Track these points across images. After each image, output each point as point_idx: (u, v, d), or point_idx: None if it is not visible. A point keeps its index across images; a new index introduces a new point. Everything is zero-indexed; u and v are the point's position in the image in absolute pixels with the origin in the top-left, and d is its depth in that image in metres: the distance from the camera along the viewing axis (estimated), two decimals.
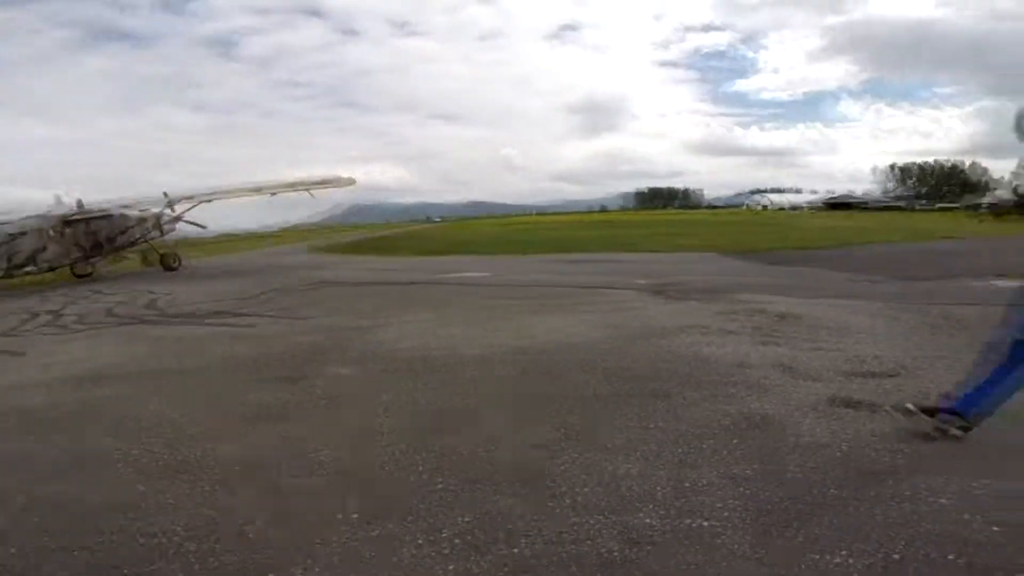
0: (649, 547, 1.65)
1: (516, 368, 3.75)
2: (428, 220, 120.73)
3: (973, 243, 15.77)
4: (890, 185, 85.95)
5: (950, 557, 1.54)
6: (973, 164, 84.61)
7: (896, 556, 1.55)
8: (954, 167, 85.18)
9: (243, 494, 2.12)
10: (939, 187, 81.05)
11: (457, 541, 1.71)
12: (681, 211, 68.67)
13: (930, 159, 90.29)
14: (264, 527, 1.85)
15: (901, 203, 65.89)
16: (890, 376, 3.33)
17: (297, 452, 2.48)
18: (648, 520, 1.80)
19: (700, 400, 2.98)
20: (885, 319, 5.07)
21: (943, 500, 1.85)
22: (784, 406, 2.84)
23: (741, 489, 1.99)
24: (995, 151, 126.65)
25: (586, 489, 2.03)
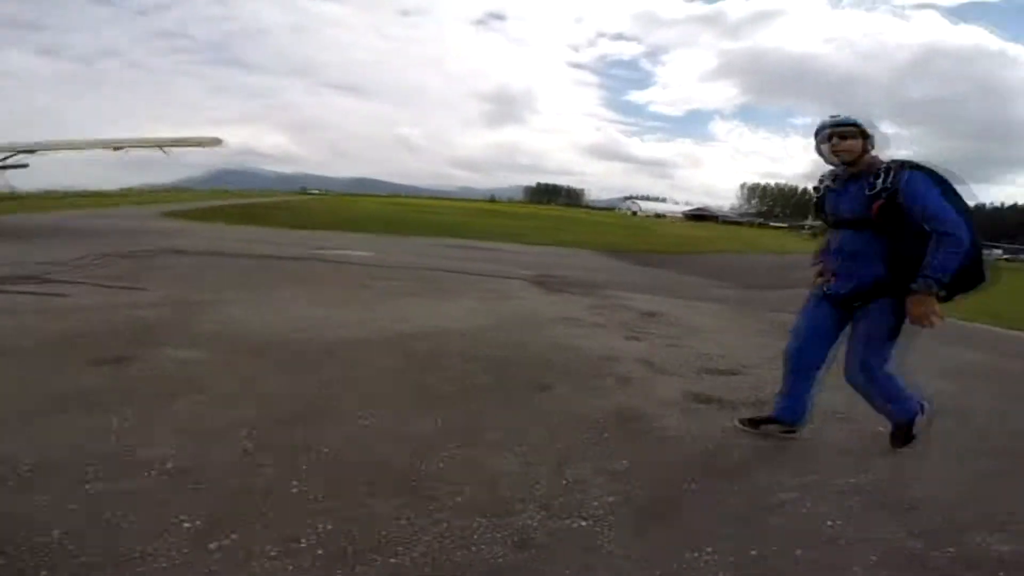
0: (535, 550, 1.61)
1: (392, 355, 3.49)
2: (303, 191, 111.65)
3: (803, 257, 18.64)
4: (738, 203, 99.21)
5: (798, 552, 1.70)
6: (805, 189, 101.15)
7: (753, 552, 1.68)
8: (793, 190, 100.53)
9: (39, 500, 1.66)
10: (775, 207, 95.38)
11: (320, 552, 1.50)
12: (565, 208, 72.10)
13: (773, 182, 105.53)
14: (67, 540, 1.46)
15: (746, 219, 76.07)
16: (734, 374, 3.74)
17: (116, 449, 2.02)
18: (531, 522, 1.75)
19: (575, 393, 3.06)
20: (729, 321, 5.75)
21: (784, 495, 2.08)
22: (649, 400, 3.01)
23: (616, 485, 2.04)
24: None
25: (467, 489, 1.92)
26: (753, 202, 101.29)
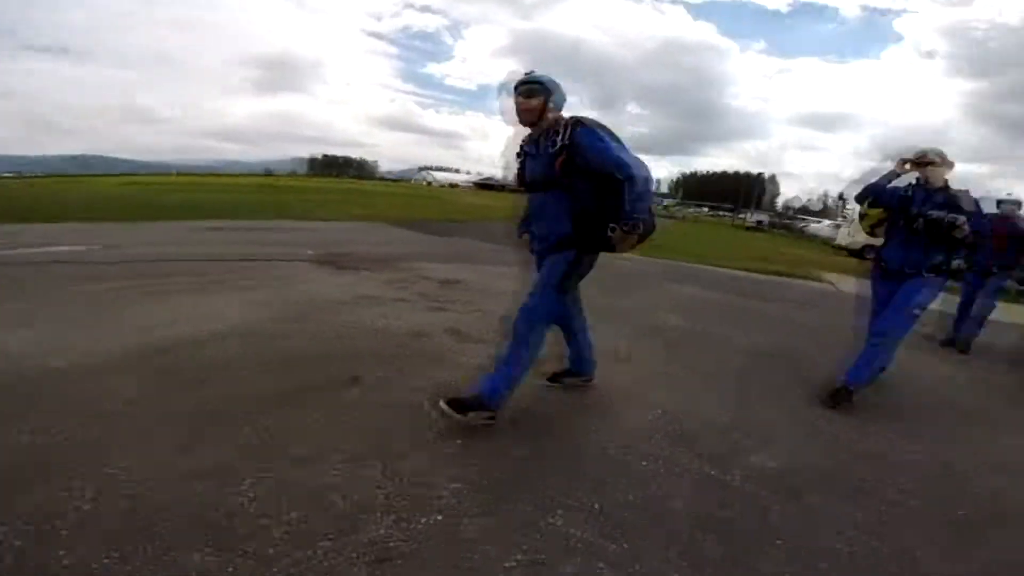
0: (399, 561, 1.47)
1: (150, 377, 2.69)
2: None
3: None
4: None
5: (630, 498, 1.97)
6: None
7: (596, 505, 1.89)
8: None
9: None
10: None
11: None
12: (355, 181, 68.33)
13: None
14: None
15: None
16: None
17: None
18: (383, 531, 1.58)
19: (389, 378, 2.86)
20: (525, 283, 6.13)
21: (605, 444, 2.36)
22: (466, 371, 2.96)
23: (456, 469, 1.99)
24: None
25: (292, 515, 1.63)
26: None
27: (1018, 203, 5.62)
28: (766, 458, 2.39)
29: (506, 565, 1.53)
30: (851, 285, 8.80)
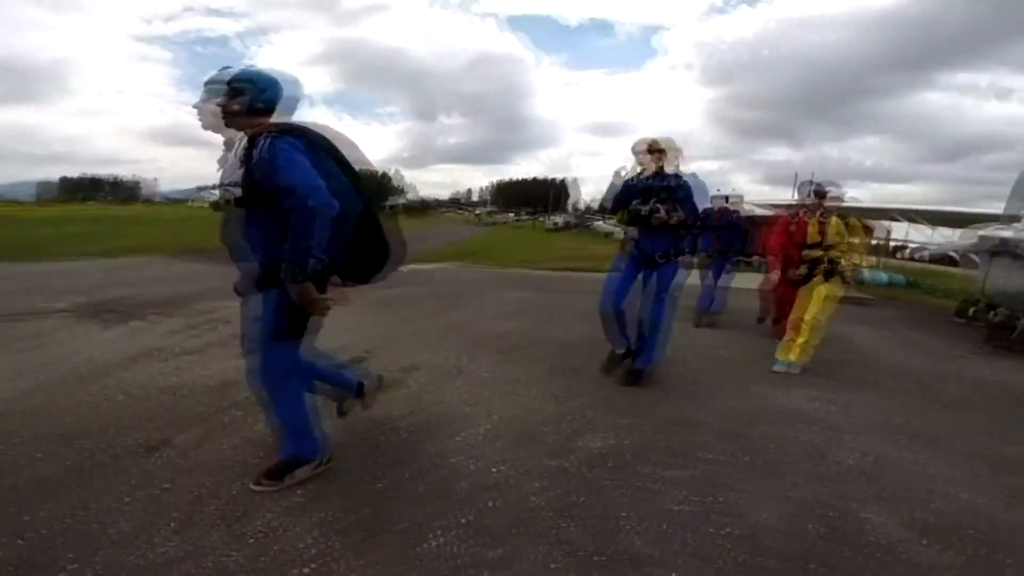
0: None
1: None
2: None
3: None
4: None
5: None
6: (384, 173, 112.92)
7: (465, 520, 1.86)
8: (384, 174, 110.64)
9: None
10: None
11: None
12: (112, 205, 56.44)
13: (357, 168, 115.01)
14: None
15: None
16: (361, 360, 3.82)
17: None
18: None
19: (199, 438, 2.48)
20: (337, 310, 5.79)
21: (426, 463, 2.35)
22: None
23: (313, 517, 1.91)
24: (408, 163, 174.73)
25: None
26: None
27: (740, 197, 6.65)
28: (592, 440, 2.70)
29: None
30: None
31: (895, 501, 2.26)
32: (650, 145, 3.50)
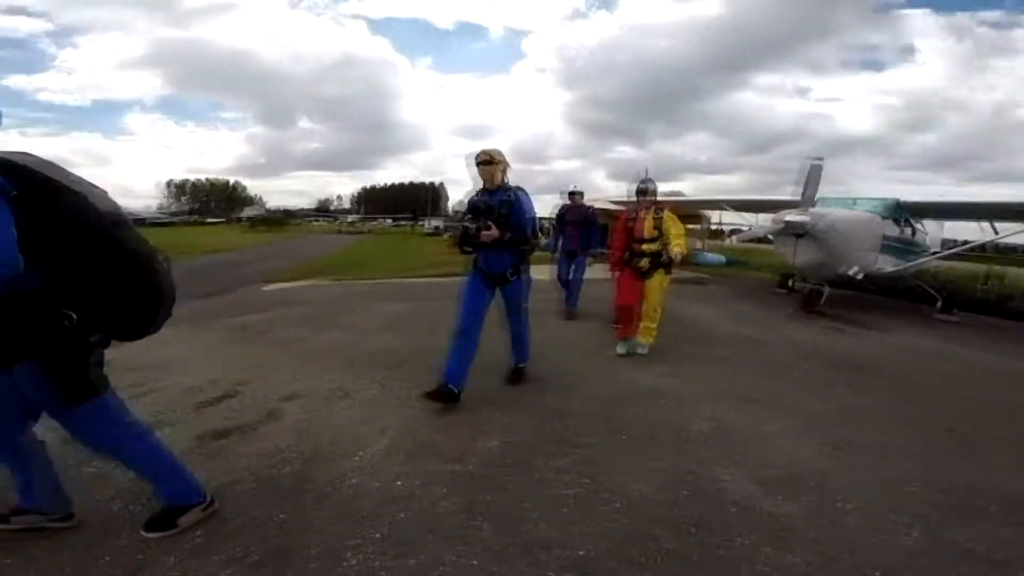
0: None
1: None
2: None
3: (237, 253, 18.90)
4: (165, 201, 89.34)
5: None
6: (237, 182, 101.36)
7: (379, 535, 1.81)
8: (224, 184, 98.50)
9: None
10: (209, 203, 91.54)
11: None
12: None
13: (202, 176, 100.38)
14: None
15: (176, 219, 70.27)
16: (232, 396, 3.49)
17: None
18: None
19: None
20: (197, 340, 5.17)
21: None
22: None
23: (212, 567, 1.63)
24: (262, 170, 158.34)
25: None
26: (183, 199, 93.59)
27: (581, 193, 6.53)
28: (488, 441, 2.81)
29: None
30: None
31: (742, 461, 2.69)
32: (479, 157, 3.32)
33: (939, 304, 8.40)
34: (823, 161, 7.17)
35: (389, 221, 65.53)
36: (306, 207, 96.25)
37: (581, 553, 1.90)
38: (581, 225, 6.34)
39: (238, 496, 2.20)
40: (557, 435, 2.92)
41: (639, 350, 4.59)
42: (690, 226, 17.45)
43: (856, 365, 4.78)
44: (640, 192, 4.71)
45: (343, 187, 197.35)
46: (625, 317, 4.71)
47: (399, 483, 2.35)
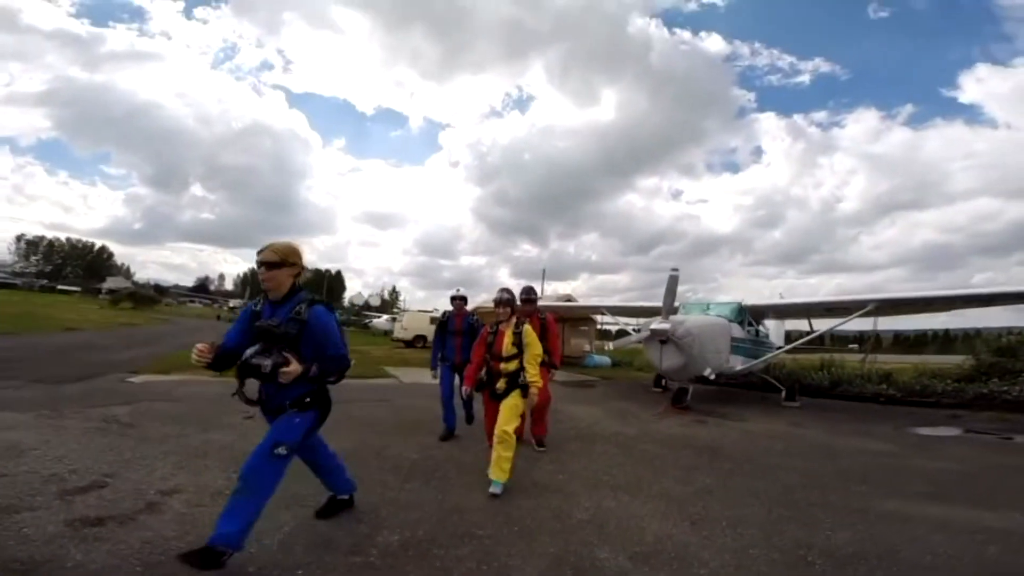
0: None
1: None
2: None
3: (98, 335, 16.79)
4: (12, 259, 75.97)
5: None
6: (104, 247, 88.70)
7: None
8: (88, 247, 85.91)
9: None
10: (64, 267, 79.23)
11: None
12: None
13: (63, 235, 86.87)
14: None
15: (18, 281, 60.53)
16: (102, 486, 3.26)
17: None
18: None
19: None
20: (54, 430, 4.63)
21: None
22: (33, 547, 2.35)
23: None
24: (126, 237, 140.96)
25: None
26: (34, 259, 79.93)
27: (464, 298, 5.83)
28: (390, 535, 2.90)
29: None
30: (410, 376, 10.74)
31: (616, 539, 3.04)
32: (259, 255, 2.57)
33: (783, 393, 9.97)
34: (679, 272, 8.46)
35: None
36: (182, 284, 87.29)
37: None
38: (466, 335, 5.54)
39: None
40: (455, 529, 3.06)
41: (491, 488, 3.74)
42: (582, 327, 19.01)
43: (713, 450, 5.52)
44: (503, 303, 4.18)
45: (229, 266, 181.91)
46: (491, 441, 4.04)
47: (300, 572, 2.36)
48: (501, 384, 4.09)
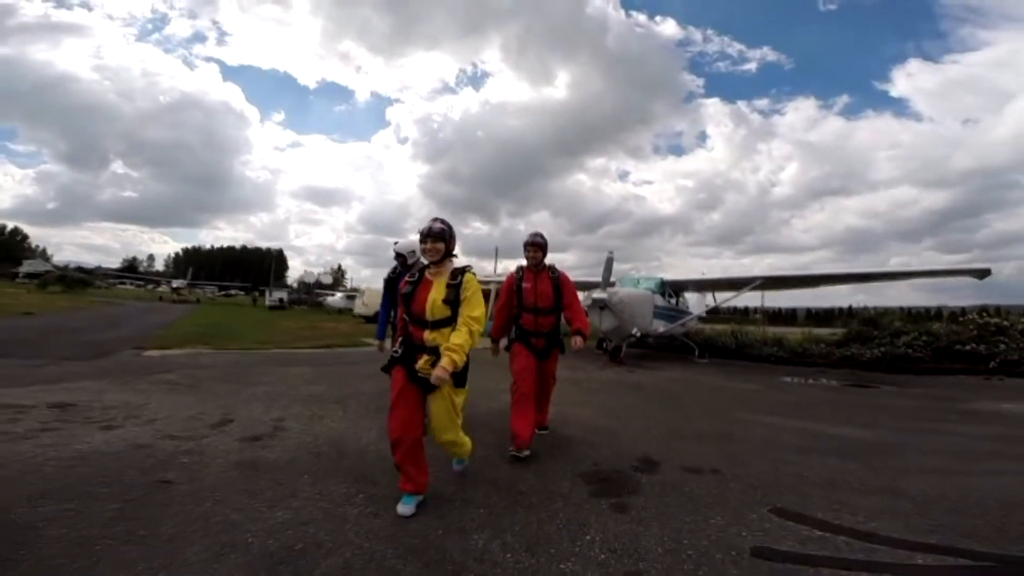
0: None
1: None
2: None
3: (62, 318, 16.99)
4: None
5: None
6: (16, 228, 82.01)
7: None
8: None
9: None
10: None
11: None
12: None
13: None
14: None
15: None
16: (231, 421, 4.83)
17: None
18: None
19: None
20: (132, 392, 5.93)
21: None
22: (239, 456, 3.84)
23: None
24: (38, 218, 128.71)
25: None
26: None
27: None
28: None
29: None
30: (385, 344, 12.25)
31: (573, 425, 4.98)
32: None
33: (696, 352, 12.48)
34: (613, 253, 10.70)
35: (214, 289, 59.06)
36: (106, 266, 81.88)
37: None
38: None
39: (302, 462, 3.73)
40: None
41: (455, 464, 3.50)
42: None
43: (637, 387, 7.79)
44: (431, 235, 2.94)
45: (157, 246, 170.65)
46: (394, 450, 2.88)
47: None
48: (424, 364, 2.84)
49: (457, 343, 2.74)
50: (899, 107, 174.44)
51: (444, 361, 2.70)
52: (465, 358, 2.80)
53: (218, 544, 2.40)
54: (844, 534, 2.70)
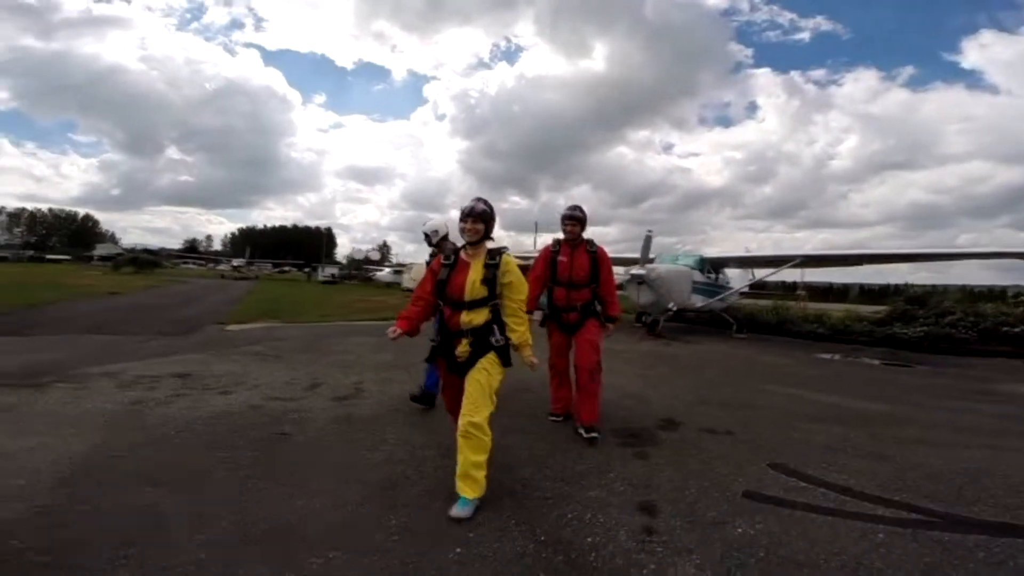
0: None
1: None
2: None
3: (145, 296, 18.76)
4: None
5: None
6: (88, 215, 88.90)
7: None
8: (72, 216, 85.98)
9: None
10: (49, 236, 79.31)
11: None
12: None
13: (42, 206, 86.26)
14: None
15: (7, 253, 60.87)
16: (320, 384, 5.72)
17: None
18: None
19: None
20: (230, 363, 6.96)
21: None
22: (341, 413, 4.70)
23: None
24: (105, 204, 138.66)
25: None
26: (17, 231, 79.88)
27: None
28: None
29: None
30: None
31: (610, 389, 5.52)
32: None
33: (734, 328, 12.77)
34: (653, 232, 11.19)
35: (269, 266, 62.37)
36: (168, 247, 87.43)
37: None
38: None
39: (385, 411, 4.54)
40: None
41: (454, 510, 2.63)
42: None
43: (672, 358, 8.40)
44: (473, 215, 2.89)
45: (214, 227, 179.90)
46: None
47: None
48: (463, 348, 2.85)
49: (522, 331, 2.92)
50: (972, 79, 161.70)
51: (526, 352, 2.92)
52: (529, 341, 2.95)
53: (336, 478, 3.15)
54: (824, 487, 3.19)
